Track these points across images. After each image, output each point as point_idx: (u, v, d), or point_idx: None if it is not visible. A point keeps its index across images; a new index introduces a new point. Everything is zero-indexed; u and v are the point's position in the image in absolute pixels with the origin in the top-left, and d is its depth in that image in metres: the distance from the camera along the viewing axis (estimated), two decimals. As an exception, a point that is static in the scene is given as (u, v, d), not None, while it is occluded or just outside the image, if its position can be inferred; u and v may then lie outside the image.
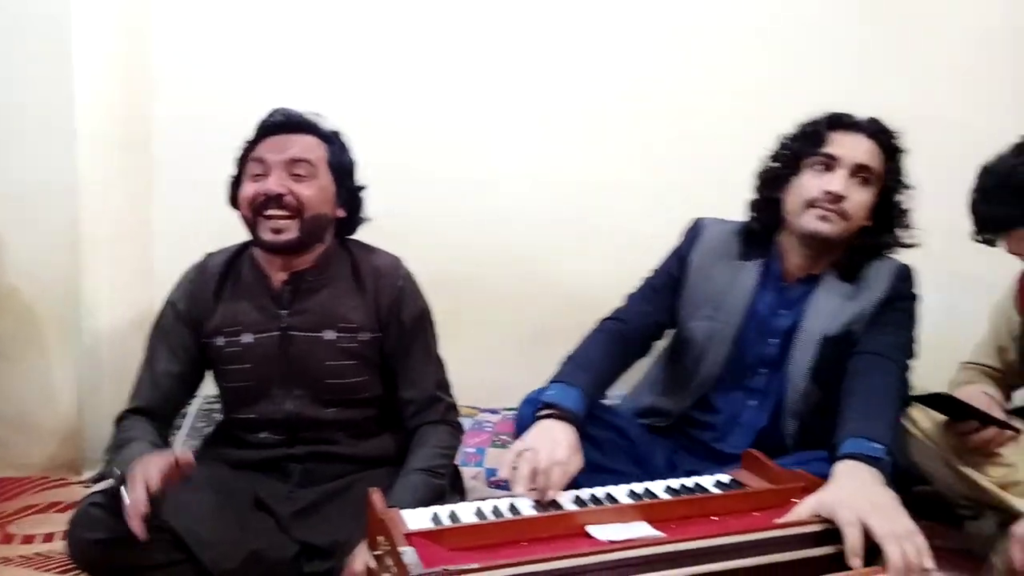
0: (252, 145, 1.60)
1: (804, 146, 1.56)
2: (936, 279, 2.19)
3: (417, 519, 1.17)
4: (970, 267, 2.11)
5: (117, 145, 2.23)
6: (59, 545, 1.73)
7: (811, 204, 1.53)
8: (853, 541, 1.09)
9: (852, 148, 1.54)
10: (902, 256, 1.62)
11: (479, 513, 1.20)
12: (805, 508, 1.15)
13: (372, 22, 2.29)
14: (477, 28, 2.29)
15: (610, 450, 1.49)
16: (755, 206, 1.65)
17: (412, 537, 1.07)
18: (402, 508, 1.22)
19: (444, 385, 1.67)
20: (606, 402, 1.66)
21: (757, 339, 1.60)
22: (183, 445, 2.10)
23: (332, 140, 1.64)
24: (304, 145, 1.58)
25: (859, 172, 1.53)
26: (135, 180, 2.27)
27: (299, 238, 1.55)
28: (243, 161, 1.61)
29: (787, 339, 1.59)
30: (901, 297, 1.57)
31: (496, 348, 2.25)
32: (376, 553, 1.11)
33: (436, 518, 1.18)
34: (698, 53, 2.26)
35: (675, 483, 1.32)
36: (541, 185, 2.29)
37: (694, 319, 1.63)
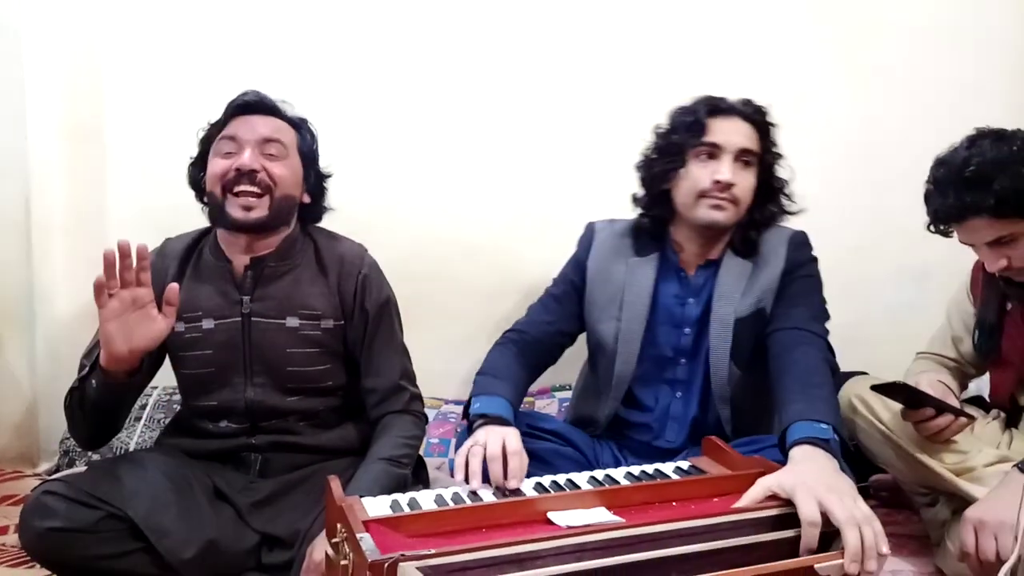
0: (221, 124, 1.58)
1: (686, 137, 1.57)
2: (891, 271, 2.28)
3: (376, 506, 1.17)
4: (924, 259, 2.17)
5: (69, 133, 2.19)
6: (12, 538, 1.70)
7: (703, 194, 1.54)
8: (808, 512, 1.09)
9: (733, 133, 1.55)
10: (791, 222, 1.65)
11: (439, 500, 1.20)
12: (760, 489, 1.16)
13: (331, 8, 2.26)
14: (443, 17, 2.28)
15: (555, 459, 1.48)
16: (644, 202, 1.65)
17: (370, 524, 1.06)
18: (363, 497, 1.21)
19: (409, 375, 1.66)
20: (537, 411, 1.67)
21: (670, 331, 1.61)
22: (141, 436, 2.07)
23: (301, 126, 1.64)
24: (276, 126, 1.59)
25: (742, 156, 1.55)
26: (88, 168, 2.23)
27: (268, 216, 1.53)
28: (209, 141, 1.59)
29: (700, 327, 1.60)
30: (800, 264, 1.59)
31: (461, 339, 2.24)
32: (334, 540, 1.10)
33: (395, 505, 1.18)
34: (659, 53, 2.27)
35: (635, 469, 1.33)
36: (505, 177, 2.29)
37: (601, 322, 1.64)
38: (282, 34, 2.25)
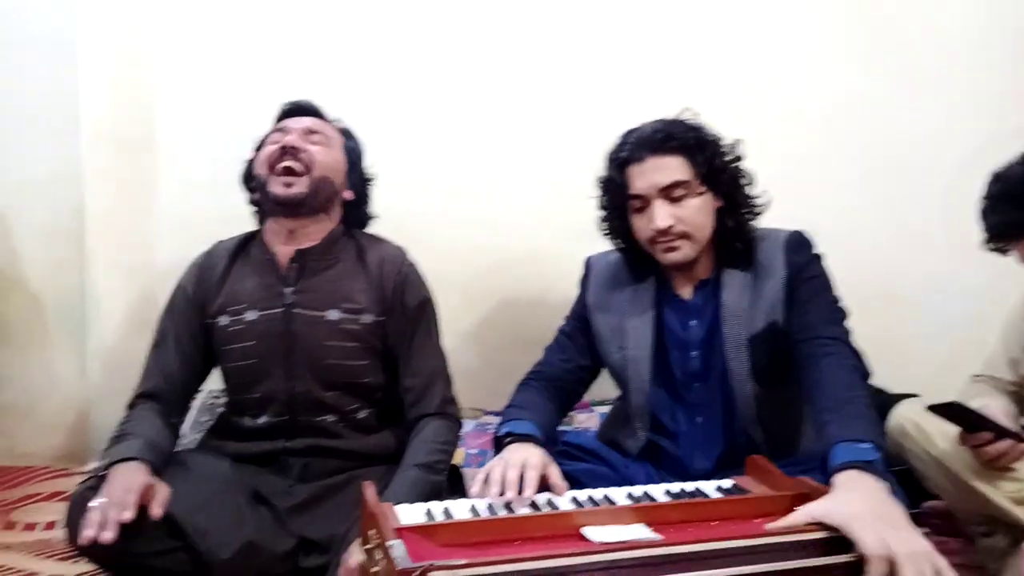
0: (274, 125, 1.67)
1: (614, 198, 1.54)
2: (935, 287, 2.20)
3: (410, 514, 1.16)
4: (972, 274, 2.08)
5: (120, 141, 2.26)
6: (60, 533, 1.73)
7: (652, 242, 1.50)
8: (879, 551, 1.03)
9: (650, 175, 1.47)
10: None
11: (473, 510, 1.19)
12: (803, 515, 1.11)
13: (378, 22, 2.29)
14: (486, 30, 2.29)
15: (590, 480, 1.43)
16: (619, 247, 1.62)
17: (403, 531, 1.05)
18: (398, 504, 1.20)
19: (445, 377, 1.67)
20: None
21: (679, 355, 1.57)
22: (185, 438, 2.10)
23: (348, 135, 1.72)
24: (322, 124, 1.67)
25: (671, 191, 1.47)
26: (139, 175, 2.29)
27: (307, 194, 1.58)
28: (263, 143, 1.66)
29: (707, 348, 1.55)
30: (802, 267, 1.51)
31: (500, 348, 2.23)
32: (367, 547, 1.09)
33: (429, 514, 1.17)
34: (696, 64, 2.26)
35: (674, 487, 1.30)
36: (547, 187, 2.28)
37: (609, 355, 1.61)
38: (328, 48, 2.28)
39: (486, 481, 1.29)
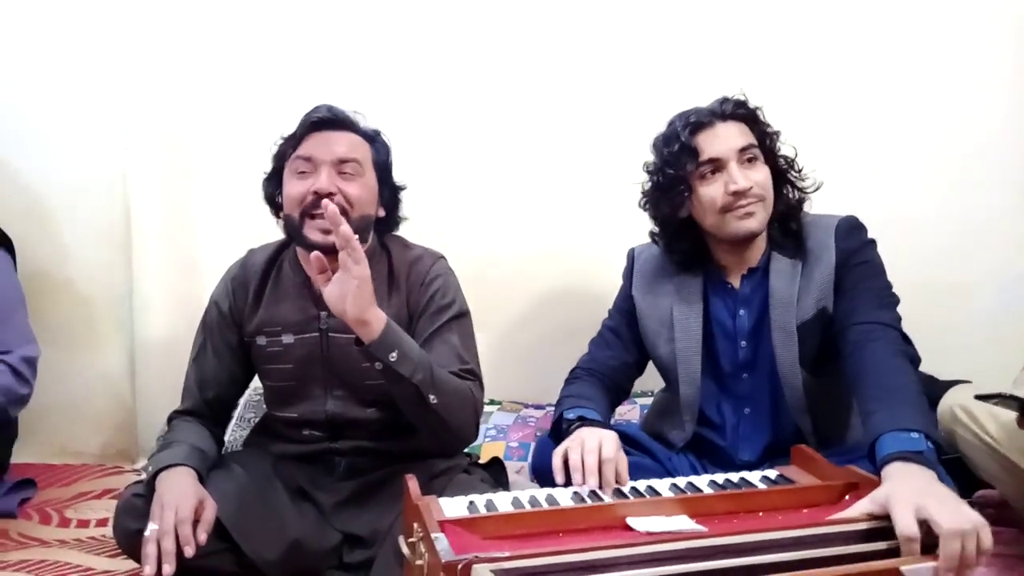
0: (295, 142, 1.56)
1: (683, 164, 1.49)
2: (992, 275, 2.14)
3: (453, 507, 1.16)
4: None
5: (165, 143, 2.29)
6: (111, 530, 1.78)
7: (726, 209, 1.47)
8: (905, 525, 1.02)
9: (725, 140, 1.47)
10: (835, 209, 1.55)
11: (515, 502, 1.18)
12: (855, 512, 1.09)
13: (407, 24, 2.29)
14: (522, 27, 2.27)
15: (635, 473, 1.39)
16: (667, 236, 1.58)
17: (446, 524, 1.05)
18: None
19: (468, 368, 1.54)
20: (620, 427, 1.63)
21: (727, 346, 1.55)
22: (232, 435, 2.13)
23: (375, 139, 1.62)
24: (350, 143, 1.55)
25: (744, 155, 1.48)
26: (183, 176, 2.32)
27: None
28: (283, 157, 1.58)
29: (755, 338, 1.53)
30: (853, 251, 1.48)
31: (538, 343, 2.23)
32: (410, 540, 1.09)
33: (472, 506, 1.17)
34: (738, 67, 2.19)
35: (719, 477, 1.28)
36: (579, 182, 2.26)
37: (657, 347, 1.59)
38: (362, 50, 2.28)
39: (566, 465, 1.29)
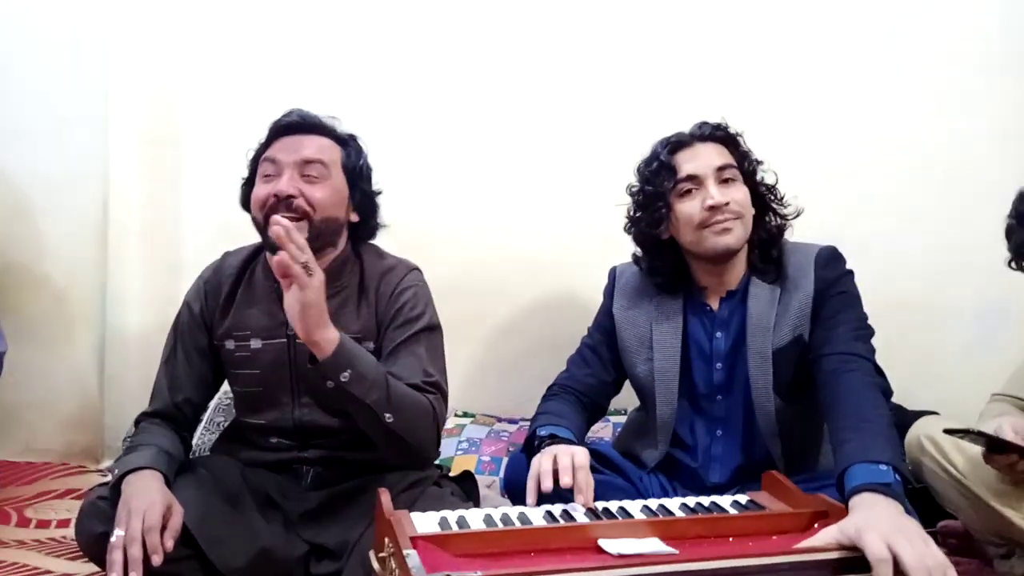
0: (265, 146, 1.57)
1: (662, 181, 1.53)
2: (968, 305, 2.18)
3: (424, 523, 1.15)
4: (1004, 293, 2.07)
5: (147, 140, 2.27)
6: (72, 531, 1.74)
7: (703, 225, 1.49)
8: (878, 549, 1.04)
9: (703, 158, 1.52)
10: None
11: (488, 520, 1.18)
12: (821, 539, 1.10)
13: (396, 27, 2.30)
14: (510, 37, 2.29)
15: (606, 492, 1.40)
16: (648, 257, 1.61)
17: (418, 541, 1.05)
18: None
19: (435, 383, 1.51)
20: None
21: (702, 367, 1.57)
22: (200, 439, 2.10)
23: (347, 143, 1.61)
24: (317, 146, 1.55)
25: (722, 174, 1.51)
26: (164, 174, 2.30)
27: (308, 241, 1.46)
28: (255, 162, 1.58)
29: (731, 361, 1.55)
30: (832, 282, 1.50)
31: (518, 356, 2.24)
32: (381, 555, 1.09)
33: (444, 522, 1.16)
34: (731, 67, 2.24)
35: (691, 501, 1.29)
36: (565, 193, 2.28)
37: (635, 366, 1.61)
38: (348, 51, 2.29)
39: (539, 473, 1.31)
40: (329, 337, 1.34)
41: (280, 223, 1.29)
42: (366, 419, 1.40)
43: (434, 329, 1.58)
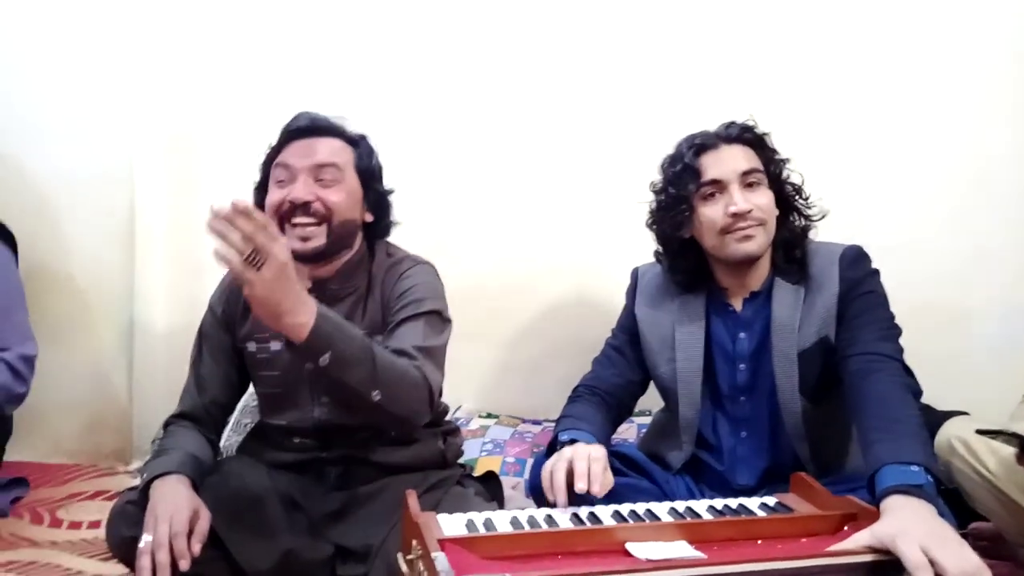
0: (277, 150, 1.57)
1: (685, 185, 1.50)
2: (997, 305, 2.15)
3: (452, 525, 1.16)
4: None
5: (171, 141, 2.29)
6: (104, 533, 1.76)
7: (725, 231, 1.48)
8: (917, 559, 1.02)
9: (728, 161, 1.49)
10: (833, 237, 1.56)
11: (514, 522, 1.18)
12: (853, 542, 1.08)
13: (414, 32, 2.30)
14: (530, 39, 2.28)
15: (630, 494, 1.40)
16: (670, 256, 1.59)
17: (445, 543, 1.05)
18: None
19: (425, 349, 1.45)
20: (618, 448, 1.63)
21: (726, 368, 1.55)
22: (227, 440, 2.12)
23: (358, 143, 1.60)
24: (330, 149, 1.55)
25: (747, 179, 1.49)
26: (188, 175, 2.32)
27: (327, 245, 1.51)
28: (267, 166, 1.58)
29: (755, 362, 1.53)
30: (857, 282, 1.48)
31: (540, 357, 2.23)
32: (408, 557, 1.09)
33: (471, 525, 1.16)
34: (751, 86, 2.22)
35: (718, 503, 1.28)
36: (587, 194, 2.27)
37: (659, 366, 1.59)
38: (371, 54, 2.29)
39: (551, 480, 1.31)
40: (299, 322, 1.25)
41: (220, 213, 1.18)
42: (353, 397, 1.35)
43: (437, 315, 1.54)
